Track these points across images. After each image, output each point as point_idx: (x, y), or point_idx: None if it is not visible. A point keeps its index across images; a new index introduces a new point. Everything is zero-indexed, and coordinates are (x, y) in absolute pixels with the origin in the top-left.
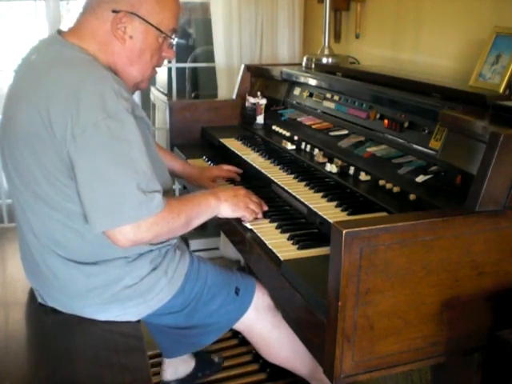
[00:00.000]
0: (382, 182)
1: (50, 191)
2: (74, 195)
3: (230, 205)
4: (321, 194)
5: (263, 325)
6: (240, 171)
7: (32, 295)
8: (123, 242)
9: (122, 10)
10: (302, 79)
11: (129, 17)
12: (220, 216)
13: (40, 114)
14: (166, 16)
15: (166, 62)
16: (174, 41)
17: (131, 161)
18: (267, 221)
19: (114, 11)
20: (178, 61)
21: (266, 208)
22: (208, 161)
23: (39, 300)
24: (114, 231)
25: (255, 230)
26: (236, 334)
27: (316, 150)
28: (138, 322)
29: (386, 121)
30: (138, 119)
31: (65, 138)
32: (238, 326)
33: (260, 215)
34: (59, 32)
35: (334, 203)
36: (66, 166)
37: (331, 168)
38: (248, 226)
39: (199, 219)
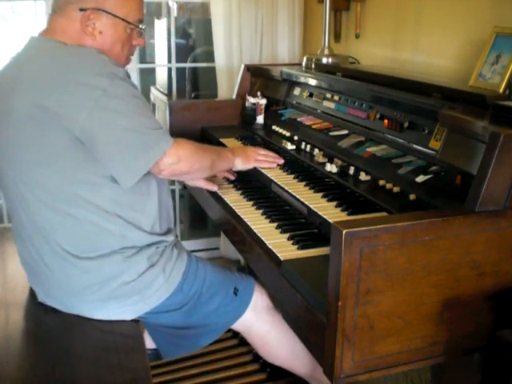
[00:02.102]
0: (382, 182)
1: (50, 175)
2: (75, 175)
3: (241, 158)
4: (321, 194)
5: (262, 325)
6: (234, 177)
7: (32, 295)
8: (167, 171)
9: (89, 7)
10: (302, 79)
11: (96, 13)
12: (234, 169)
13: (34, 101)
14: (131, 7)
15: (165, 61)
16: (142, 29)
17: (141, 108)
18: (267, 221)
19: (81, 10)
20: (177, 61)
21: (281, 161)
22: None
23: (39, 299)
24: (154, 165)
25: (252, 227)
26: (236, 333)
27: (316, 150)
28: (137, 321)
29: (386, 121)
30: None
31: (76, 114)
32: (237, 326)
33: (272, 164)
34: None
35: (334, 203)
36: (74, 143)
37: (331, 168)
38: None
39: (219, 166)
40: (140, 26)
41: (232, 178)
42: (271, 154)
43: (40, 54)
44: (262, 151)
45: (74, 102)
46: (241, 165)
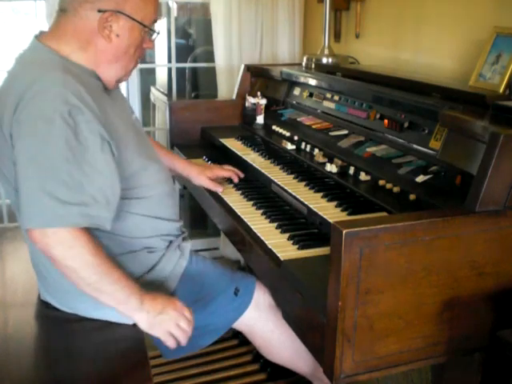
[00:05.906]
0: (382, 182)
1: None
2: None
3: (149, 318)
4: (321, 194)
5: (264, 324)
6: (241, 175)
7: (32, 295)
8: (35, 241)
9: (108, 9)
10: (302, 79)
11: (115, 15)
12: (133, 320)
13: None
14: (149, 10)
15: (165, 61)
16: (155, 33)
17: (51, 165)
18: (267, 221)
19: (99, 11)
20: (178, 61)
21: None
22: (208, 161)
23: (41, 298)
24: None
25: (252, 227)
26: (236, 334)
27: (316, 150)
28: None
29: (386, 121)
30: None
31: (9, 137)
32: (240, 325)
33: (183, 343)
34: (39, 34)
35: (334, 203)
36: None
37: (331, 168)
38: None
39: (107, 297)
40: (154, 30)
41: (236, 180)
42: (190, 325)
43: (28, 66)
44: (184, 323)
45: (7, 125)
46: (144, 326)
